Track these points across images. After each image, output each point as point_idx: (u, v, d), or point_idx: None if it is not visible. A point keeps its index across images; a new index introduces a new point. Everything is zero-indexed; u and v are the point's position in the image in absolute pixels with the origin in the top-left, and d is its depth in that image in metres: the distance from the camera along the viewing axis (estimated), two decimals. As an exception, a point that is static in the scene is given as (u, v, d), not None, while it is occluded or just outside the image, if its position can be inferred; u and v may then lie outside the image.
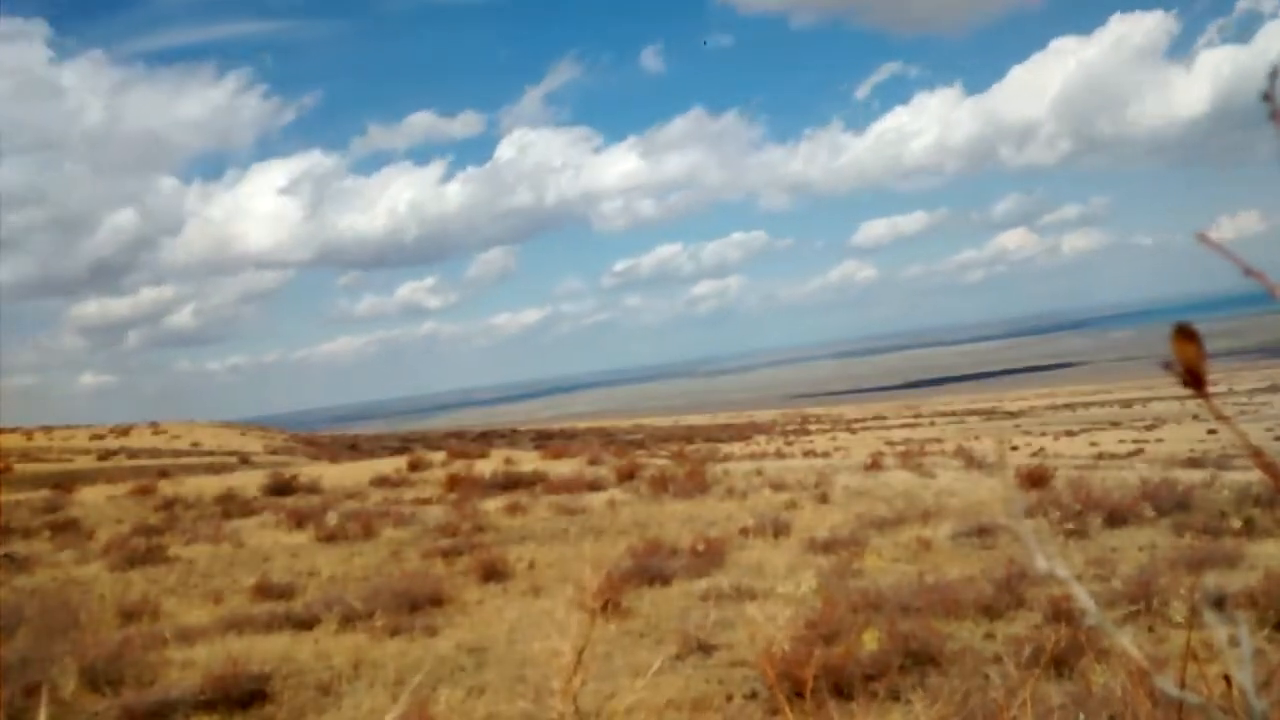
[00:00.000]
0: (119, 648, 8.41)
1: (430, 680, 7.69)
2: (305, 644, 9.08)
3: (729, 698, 7.19)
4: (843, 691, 6.89)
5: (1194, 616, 5.91)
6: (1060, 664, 6.79)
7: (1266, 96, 0.93)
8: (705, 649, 8.16)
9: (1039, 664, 6.27)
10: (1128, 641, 1.04)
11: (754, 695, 7.18)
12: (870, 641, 7.21)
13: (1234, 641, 0.97)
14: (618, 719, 6.81)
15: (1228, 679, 1.54)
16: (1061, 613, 7.90)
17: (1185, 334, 0.91)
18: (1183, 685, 1.55)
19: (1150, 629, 7.92)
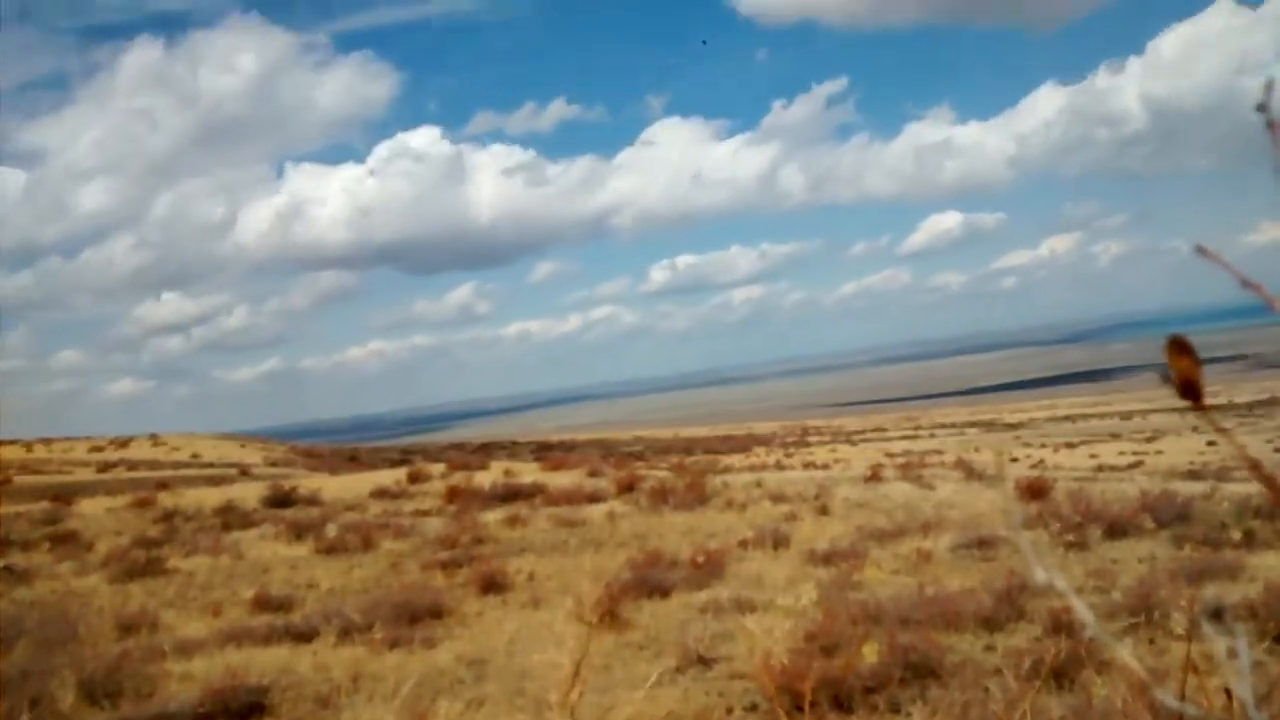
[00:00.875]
0: (118, 660, 8.39)
1: (430, 692, 7.67)
2: (304, 656, 9.06)
3: (728, 710, 7.17)
4: (842, 704, 6.87)
5: (1194, 628, 5.90)
6: (1060, 676, 6.77)
7: (1261, 107, 0.94)
8: (704, 661, 8.14)
9: (1039, 676, 6.26)
10: (1127, 654, 1.04)
11: (754, 708, 7.16)
12: (870, 654, 7.19)
13: (1234, 654, 0.97)
14: (617, 732, 6.79)
15: (1228, 691, 1.53)
16: (1062, 625, 7.88)
17: (1180, 347, 0.91)
18: (1183, 697, 1.54)
19: (1150, 641, 7.90)
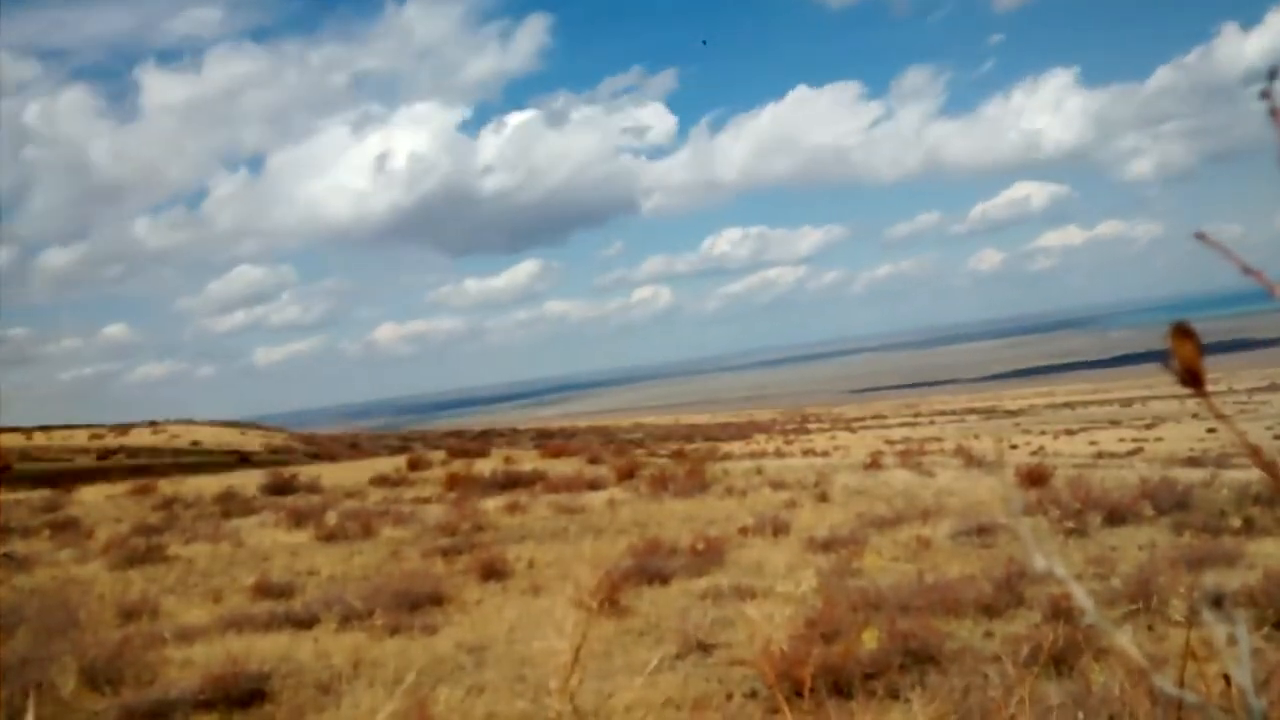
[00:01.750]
0: (118, 647, 8.41)
1: (430, 679, 7.68)
2: (305, 643, 9.07)
3: (728, 696, 7.18)
4: (842, 690, 6.89)
5: (1193, 615, 5.91)
6: (1059, 663, 6.79)
7: (1264, 94, 0.93)
8: (705, 648, 8.16)
9: (1038, 663, 6.27)
10: (1126, 640, 1.04)
11: (753, 694, 7.18)
12: (869, 640, 7.21)
13: (1233, 640, 0.97)
14: (617, 717, 6.81)
15: (1227, 678, 1.54)
16: (1061, 611, 7.90)
17: (1183, 332, 0.91)
18: (1181, 684, 1.55)
19: (1149, 628, 7.92)
